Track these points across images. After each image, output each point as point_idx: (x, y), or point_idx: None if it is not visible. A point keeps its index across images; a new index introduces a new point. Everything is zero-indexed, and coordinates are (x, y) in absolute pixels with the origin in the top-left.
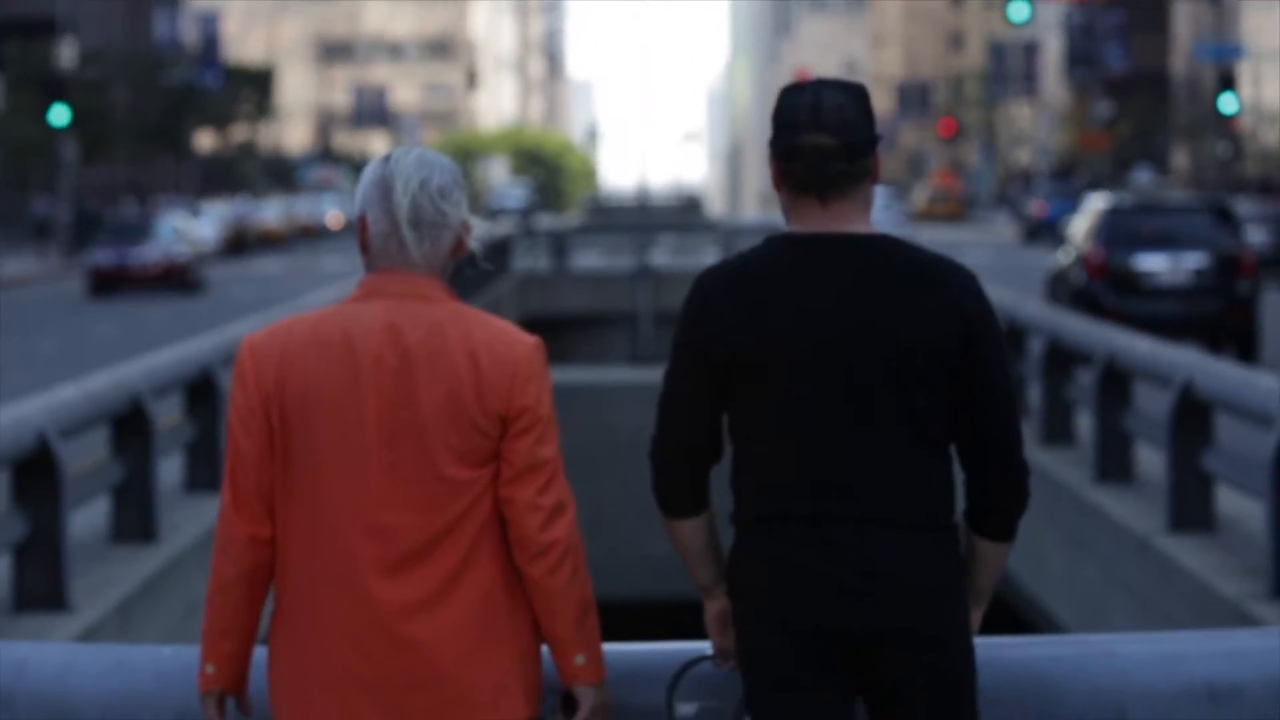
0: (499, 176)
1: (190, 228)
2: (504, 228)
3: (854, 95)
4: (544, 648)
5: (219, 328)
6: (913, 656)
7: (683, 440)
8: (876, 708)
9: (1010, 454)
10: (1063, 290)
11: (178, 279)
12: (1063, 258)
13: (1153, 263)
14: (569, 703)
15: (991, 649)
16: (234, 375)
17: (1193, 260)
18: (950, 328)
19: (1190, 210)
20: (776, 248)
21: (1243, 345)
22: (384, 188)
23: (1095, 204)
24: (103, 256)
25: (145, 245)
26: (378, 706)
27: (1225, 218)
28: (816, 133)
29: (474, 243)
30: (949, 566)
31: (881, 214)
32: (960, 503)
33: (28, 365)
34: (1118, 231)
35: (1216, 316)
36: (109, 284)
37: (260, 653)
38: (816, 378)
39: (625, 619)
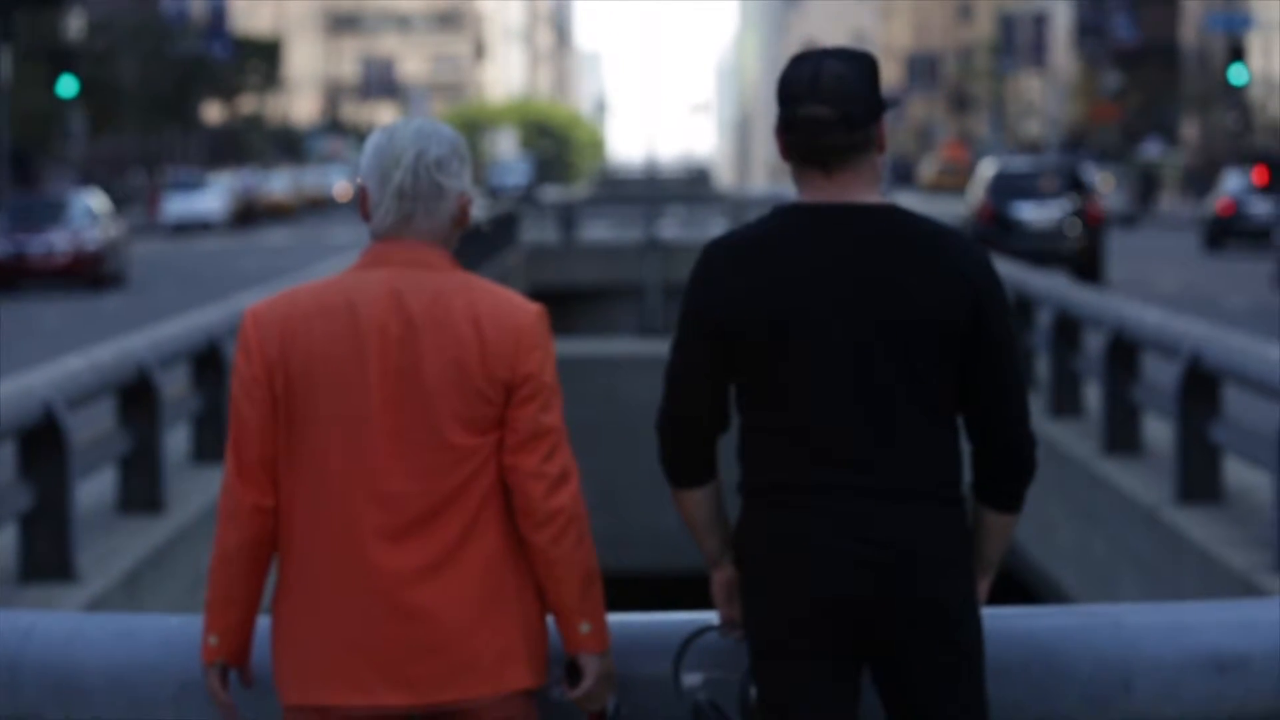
0: (506, 149)
1: (105, 210)
2: (507, 204)
3: (858, 65)
4: (549, 617)
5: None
6: (920, 627)
7: (689, 410)
8: (883, 677)
9: (1017, 425)
10: (968, 233)
11: (88, 272)
12: (963, 209)
13: (1026, 211)
14: (573, 671)
15: (998, 619)
16: (237, 344)
17: (1054, 209)
18: (957, 298)
19: (1055, 172)
20: (783, 218)
21: (1089, 272)
22: (382, 159)
23: (986, 169)
24: None
25: (50, 231)
26: (381, 675)
27: (1078, 178)
28: (814, 104)
29: (476, 212)
30: (956, 537)
31: None
32: (967, 474)
33: None
34: (1002, 187)
35: (1071, 251)
36: (6, 278)
37: (264, 623)
38: (822, 348)
39: (633, 591)
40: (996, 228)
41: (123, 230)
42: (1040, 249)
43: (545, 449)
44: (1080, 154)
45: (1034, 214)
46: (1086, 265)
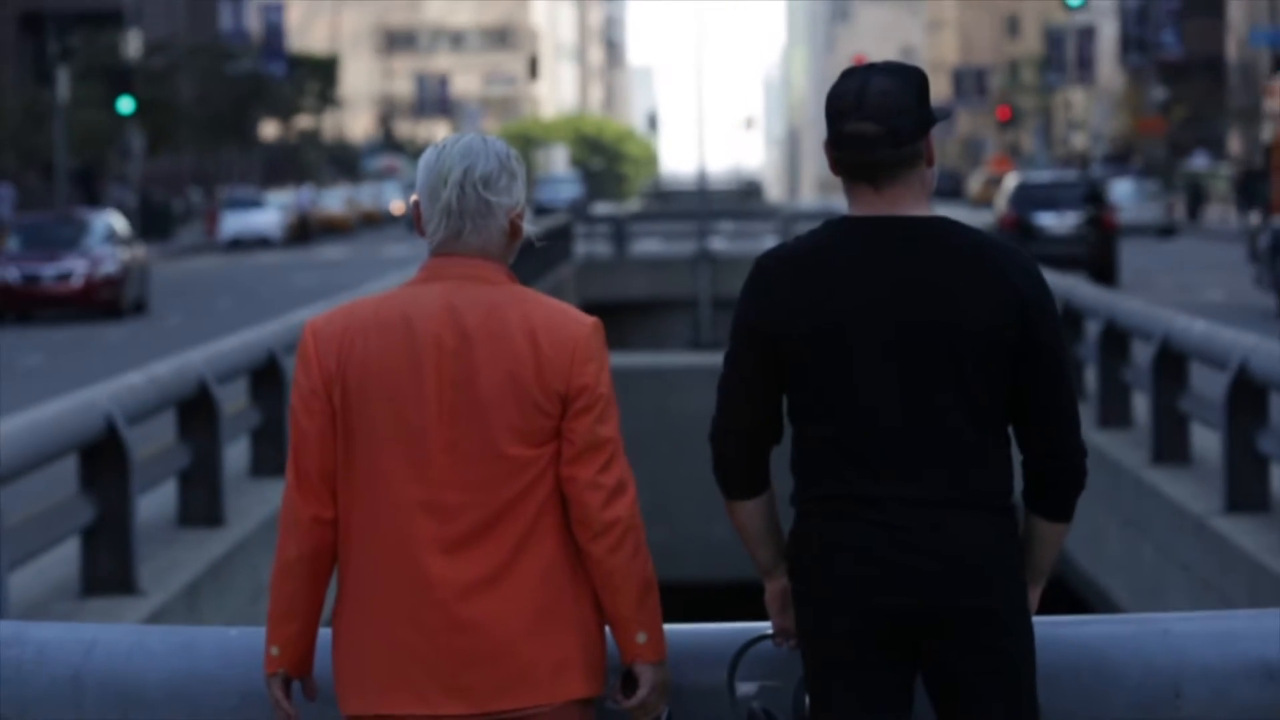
0: (559, 164)
1: (125, 231)
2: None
3: (905, 79)
4: (606, 628)
5: (283, 315)
6: (973, 636)
7: (742, 421)
8: (936, 686)
9: (1068, 435)
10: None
11: (105, 299)
12: (990, 217)
13: (1046, 219)
14: (629, 680)
15: (1048, 627)
16: (297, 358)
17: (1072, 218)
18: (1007, 309)
19: (1074, 184)
20: (834, 231)
21: (1104, 275)
22: (431, 176)
23: (1010, 181)
24: (8, 271)
25: (65, 256)
26: (439, 685)
27: (1096, 190)
28: (861, 120)
29: (529, 227)
30: (1008, 546)
31: None
32: (1018, 483)
33: None
34: (1024, 198)
35: (1087, 255)
36: (17, 305)
37: (325, 634)
38: (874, 359)
39: (687, 601)
40: (1019, 234)
41: (142, 254)
42: (1058, 254)
43: (602, 460)
44: (1125, 167)
45: (1053, 222)
46: (1101, 268)
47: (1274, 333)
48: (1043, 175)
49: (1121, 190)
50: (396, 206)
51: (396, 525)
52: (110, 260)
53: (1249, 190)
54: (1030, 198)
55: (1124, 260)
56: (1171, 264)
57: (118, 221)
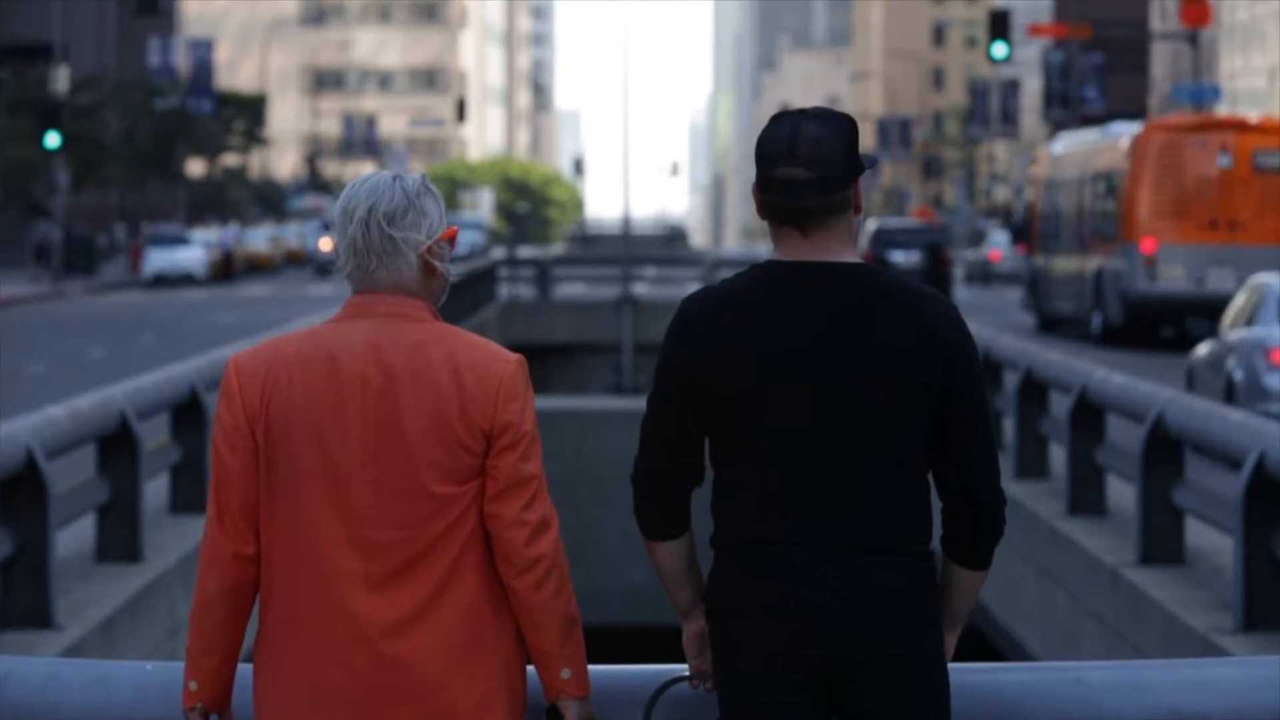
0: (484, 207)
1: None
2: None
3: (836, 127)
4: (529, 665)
5: (206, 351)
6: (887, 681)
7: (664, 462)
8: None
9: (987, 482)
10: None
11: None
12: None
13: (897, 257)
14: (553, 717)
15: (962, 674)
16: (220, 393)
17: (915, 256)
18: (930, 356)
19: (921, 230)
20: (760, 275)
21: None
22: (341, 214)
23: (870, 225)
24: None
25: None
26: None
27: (936, 239)
28: (792, 166)
29: (444, 265)
30: (926, 593)
31: None
32: (937, 530)
33: None
34: (881, 239)
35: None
36: None
37: (245, 670)
38: (797, 403)
39: (606, 644)
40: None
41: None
42: None
43: (526, 497)
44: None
45: (901, 258)
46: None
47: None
48: (896, 221)
49: (998, 239)
50: (325, 243)
51: (321, 562)
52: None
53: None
54: (885, 240)
55: (965, 294)
56: (991, 298)
57: None
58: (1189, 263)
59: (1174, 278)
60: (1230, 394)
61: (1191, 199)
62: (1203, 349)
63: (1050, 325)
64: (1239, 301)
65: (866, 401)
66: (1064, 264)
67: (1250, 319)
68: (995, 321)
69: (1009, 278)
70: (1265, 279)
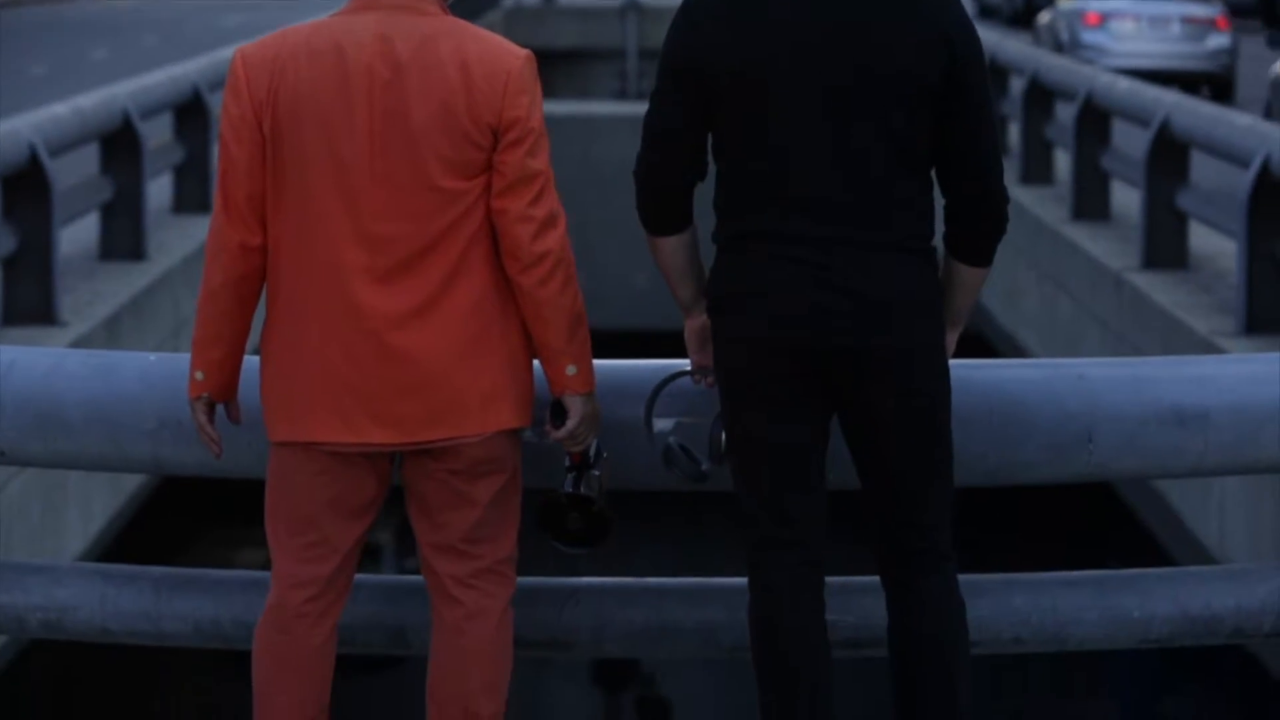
0: None
1: None
2: None
3: None
4: (535, 362)
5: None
6: (888, 375)
7: (667, 157)
8: (851, 424)
9: (990, 178)
10: None
11: None
12: None
13: None
14: (558, 411)
15: (962, 370)
16: (227, 85)
17: None
18: (934, 50)
19: None
20: None
21: None
22: None
23: None
24: None
25: None
26: (368, 412)
27: None
28: None
29: None
30: (925, 286)
31: None
32: (940, 227)
33: None
34: None
35: None
36: None
37: (251, 361)
38: (801, 99)
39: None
40: None
41: None
42: None
43: (533, 193)
44: None
45: None
46: None
47: None
48: None
49: None
50: None
51: (327, 255)
52: None
53: None
54: None
55: None
56: None
57: None
58: None
59: None
60: (1059, 50)
61: None
62: (1044, 17)
63: None
64: None
65: (868, 94)
66: None
67: None
68: None
69: None
70: None
